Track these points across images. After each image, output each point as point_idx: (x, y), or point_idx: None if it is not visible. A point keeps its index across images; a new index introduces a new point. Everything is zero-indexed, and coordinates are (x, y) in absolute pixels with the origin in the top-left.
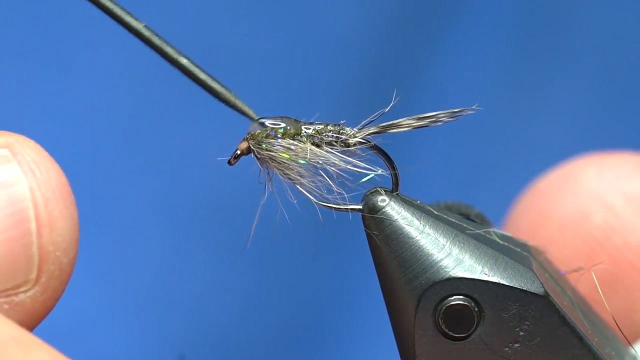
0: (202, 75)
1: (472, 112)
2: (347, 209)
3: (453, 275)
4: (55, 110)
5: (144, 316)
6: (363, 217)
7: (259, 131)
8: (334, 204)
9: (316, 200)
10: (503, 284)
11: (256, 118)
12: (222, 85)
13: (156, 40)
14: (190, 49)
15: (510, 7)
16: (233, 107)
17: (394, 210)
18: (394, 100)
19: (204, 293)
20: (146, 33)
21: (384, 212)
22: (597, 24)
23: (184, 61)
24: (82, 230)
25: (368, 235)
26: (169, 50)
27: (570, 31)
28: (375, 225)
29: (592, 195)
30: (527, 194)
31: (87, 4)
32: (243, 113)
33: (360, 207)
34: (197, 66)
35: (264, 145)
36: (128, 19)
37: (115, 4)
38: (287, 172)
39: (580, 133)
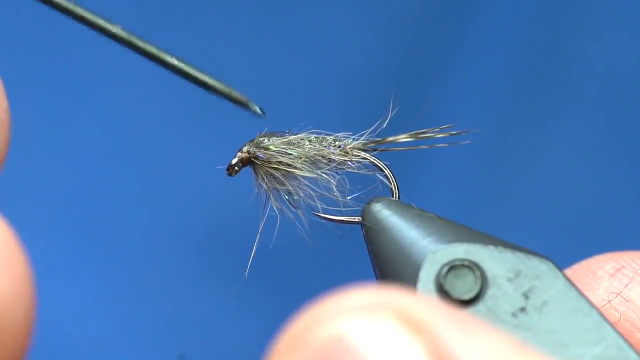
0: (192, 71)
1: (473, 132)
2: (345, 220)
3: (455, 243)
4: (63, 141)
5: (144, 317)
6: (362, 228)
7: (256, 143)
8: (332, 215)
9: (314, 213)
10: (507, 250)
11: (256, 109)
12: (215, 79)
13: (138, 42)
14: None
15: (519, 28)
16: (231, 100)
17: (392, 220)
18: (391, 112)
19: (204, 294)
20: (123, 34)
21: (382, 222)
22: (604, 55)
23: (169, 59)
24: (88, 247)
25: (368, 246)
26: (152, 50)
27: (576, 60)
28: (375, 236)
29: (610, 291)
30: None
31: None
32: (242, 104)
33: (359, 218)
34: (186, 63)
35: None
36: (101, 22)
37: (92, 13)
38: (285, 186)
39: (586, 155)
